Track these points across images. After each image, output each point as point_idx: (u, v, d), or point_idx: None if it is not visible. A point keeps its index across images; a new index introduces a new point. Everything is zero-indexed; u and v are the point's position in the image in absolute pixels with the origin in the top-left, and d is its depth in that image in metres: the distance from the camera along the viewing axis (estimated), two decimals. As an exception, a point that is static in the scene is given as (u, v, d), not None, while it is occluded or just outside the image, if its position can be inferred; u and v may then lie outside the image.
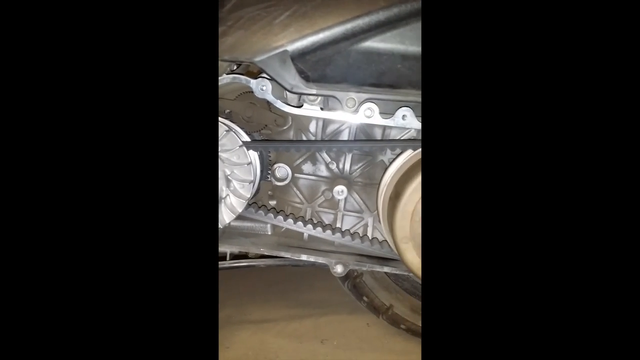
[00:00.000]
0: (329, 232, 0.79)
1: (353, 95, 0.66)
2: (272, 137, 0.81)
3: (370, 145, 0.75)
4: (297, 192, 0.85)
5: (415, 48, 0.60)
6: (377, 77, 0.63)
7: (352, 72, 0.63)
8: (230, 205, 0.73)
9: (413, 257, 0.65)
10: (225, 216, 0.74)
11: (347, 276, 0.95)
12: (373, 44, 0.60)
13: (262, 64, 0.66)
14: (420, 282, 0.69)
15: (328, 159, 0.82)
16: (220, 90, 0.74)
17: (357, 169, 0.82)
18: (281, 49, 0.60)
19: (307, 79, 0.64)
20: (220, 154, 0.72)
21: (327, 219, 0.85)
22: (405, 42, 0.60)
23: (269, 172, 0.83)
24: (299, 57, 0.61)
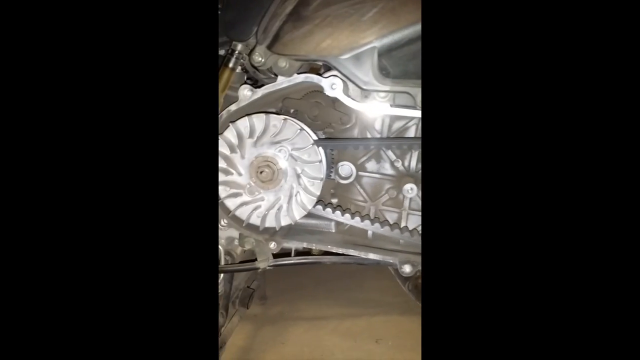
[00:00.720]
0: (396, 230, 0.78)
1: (428, 91, 0.65)
2: (335, 135, 0.81)
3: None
4: (361, 190, 0.85)
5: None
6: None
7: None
8: (301, 202, 0.74)
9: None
10: (296, 213, 0.74)
11: (409, 277, 0.94)
12: None
13: (336, 62, 0.66)
14: None
15: (393, 157, 0.82)
16: (287, 90, 0.75)
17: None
18: (369, 46, 0.60)
19: (387, 75, 0.64)
20: (292, 152, 0.72)
21: (391, 217, 0.84)
22: None
23: (332, 170, 0.83)
24: (385, 53, 0.61)
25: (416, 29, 0.58)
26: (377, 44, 0.60)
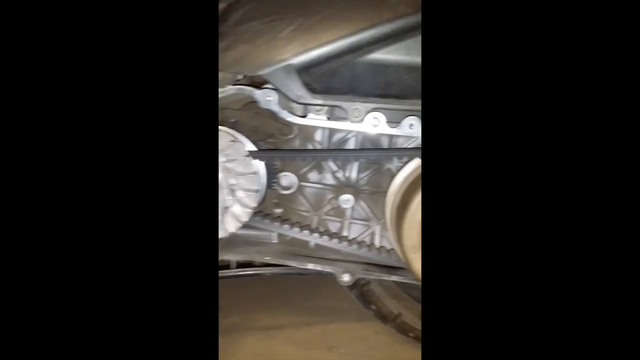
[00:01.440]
0: (335, 240, 0.79)
1: (359, 105, 0.66)
2: (278, 145, 0.81)
3: (376, 154, 0.75)
4: (304, 201, 0.85)
5: (416, 58, 0.60)
6: (383, 89, 0.63)
7: (358, 83, 0.63)
8: (236, 214, 0.73)
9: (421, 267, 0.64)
10: (231, 225, 0.74)
11: (355, 284, 0.95)
12: (379, 55, 0.60)
13: (268, 75, 0.66)
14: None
15: (334, 168, 0.82)
16: (225, 101, 0.75)
17: (364, 177, 0.82)
18: (285, 63, 0.60)
19: (313, 90, 0.64)
20: (225, 164, 0.72)
21: (334, 227, 0.85)
22: (411, 53, 0.59)
23: (275, 180, 0.83)
24: (304, 70, 0.61)
25: (334, 46, 0.58)
26: (294, 60, 0.60)
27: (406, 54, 0.60)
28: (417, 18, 0.58)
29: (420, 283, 0.69)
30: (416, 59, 0.60)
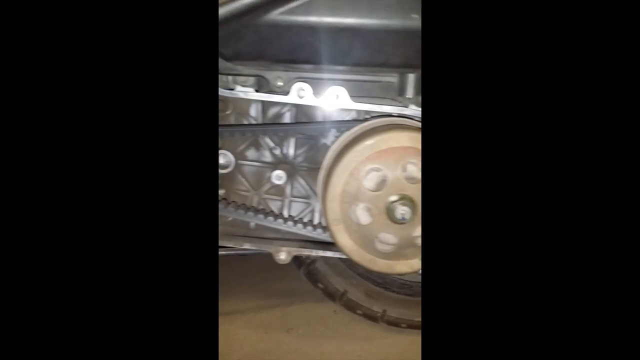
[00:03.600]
0: (270, 218, 0.77)
1: (280, 74, 0.63)
2: (214, 123, 0.79)
3: (305, 127, 0.73)
4: (243, 180, 0.82)
5: (321, 19, 0.57)
6: (290, 52, 0.60)
7: (265, 47, 0.60)
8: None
9: (345, 239, 0.62)
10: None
11: (302, 263, 0.93)
12: (280, 17, 0.57)
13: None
14: (354, 263, 0.68)
15: (272, 144, 0.80)
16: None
17: (301, 153, 0.80)
18: None
19: (223, 57, 0.61)
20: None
21: (275, 206, 0.83)
22: (310, 13, 0.57)
23: (213, 160, 0.81)
24: None
25: (233, 6, 0.55)
26: None
27: (305, 13, 0.57)
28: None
29: (344, 256, 0.67)
30: (316, 18, 0.57)
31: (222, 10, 0.52)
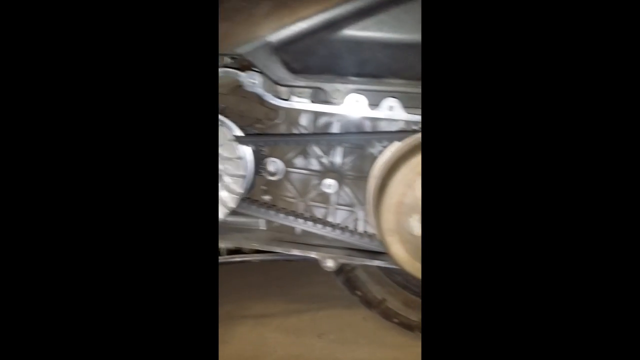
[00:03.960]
0: (319, 225, 0.79)
1: (339, 86, 0.66)
2: (265, 131, 0.82)
3: (356, 137, 0.75)
4: (290, 187, 0.85)
5: (393, 35, 0.60)
6: (358, 67, 0.63)
7: (334, 61, 0.63)
8: (223, 200, 0.74)
9: (399, 250, 0.64)
10: (219, 211, 0.74)
11: (341, 270, 0.95)
12: (353, 32, 0.60)
13: (251, 56, 0.66)
14: (409, 275, 0.69)
15: (320, 153, 0.83)
16: (211, 86, 0.75)
17: (349, 162, 0.82)
18: (263, 40, 0.60)
19: (292, 70, 0.64)
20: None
21: (319, 213, 0.85)
22: (383, 29, 0.59)
23: (262, 166, 0.83)
24: (282, 48, 0.61)
25: (309, 23, 0.58)
26: (271, 38, 0.60)
27: (378, 29, 0.60)
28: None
29: (398, 267, 0.69)
30: (388, 35, 0.60)
31: (300, 27, 0.55)
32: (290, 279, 1.45)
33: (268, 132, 0.81)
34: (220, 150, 0.72)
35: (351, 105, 0.68)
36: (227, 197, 0.74)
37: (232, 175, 0.74)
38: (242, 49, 0.62)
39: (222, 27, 0.61)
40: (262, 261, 0.94)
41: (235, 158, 0.73)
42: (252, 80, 0.71)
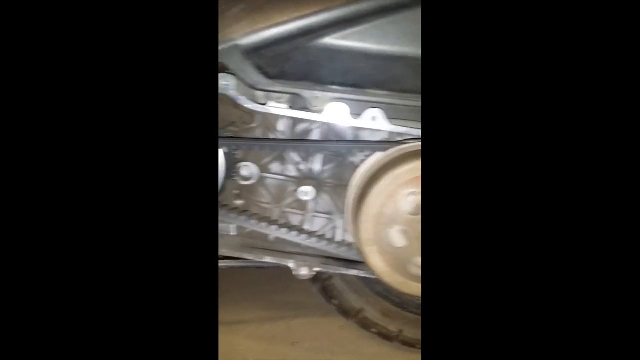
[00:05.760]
0: (294, 233, 0.77)
1: (318, 94, 0.63)
2: (239, 134, 0.78)
3: (337, 146, 0.73)
4: (265, 192, 0.82)
5: (378, 47, 0.58)
6: (340, 76, 0.61)
7: (313, 69, 0.61)
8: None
9: (377, 261, 0.63)
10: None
11: (317, 279, 0.93)
12: (333, 41, 0.58)
13: (225, 58, 0.63)
14: (387, 285, 0.68)
15: (297, 159, 0.80)
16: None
17: (328, 169, 0.80)
18: (231, 43, 0.57)
19: (267, 75, 0.62)
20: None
21: (296, 220, 0.83)
22: (366, 40, 0.58)
23: (235, 170, 0.80)
24: (253, 52, 0.59)
25: (284, 28, 0.56)
26: (240, 41, 0.58)
27: (360, 40, 0.58)
28: (372, 4, 0.56)
29: (370, 275, 0.68)
30: (372, 46, 0.58)
31: (274, 32, 0.53)
32: (264, 285, 1.41)
33: (242, 136, 0.78)
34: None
35: (332, 113, 0.66)
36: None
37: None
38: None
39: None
40: (231, 268, 0.90)
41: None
42: (225, 83, 0.67)
